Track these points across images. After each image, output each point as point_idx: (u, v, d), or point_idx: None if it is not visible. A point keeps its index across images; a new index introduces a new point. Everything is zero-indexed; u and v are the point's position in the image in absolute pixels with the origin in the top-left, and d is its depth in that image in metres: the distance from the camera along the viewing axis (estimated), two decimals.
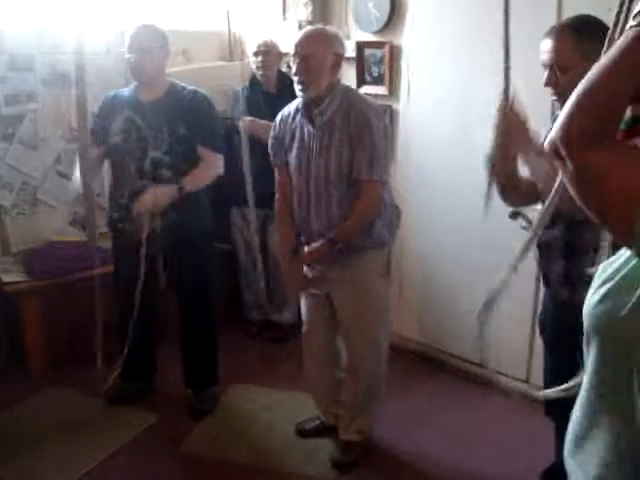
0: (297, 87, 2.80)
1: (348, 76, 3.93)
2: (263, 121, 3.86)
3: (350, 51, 3.84)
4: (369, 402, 3.14)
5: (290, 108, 2.98)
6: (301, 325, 3.24)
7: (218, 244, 4.35)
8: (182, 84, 3.34)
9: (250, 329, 4.40)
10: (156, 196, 3.13)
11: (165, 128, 3.17)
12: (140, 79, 3.25)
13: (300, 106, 2.89)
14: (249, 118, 3.92)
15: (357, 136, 2.75)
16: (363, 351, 3.05)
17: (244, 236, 4.29)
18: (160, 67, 3.26)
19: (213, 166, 3.30)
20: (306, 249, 2.92)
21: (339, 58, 2.85)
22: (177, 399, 3.55)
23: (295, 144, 2.92)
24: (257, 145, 3.86)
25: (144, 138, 3.18)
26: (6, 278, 3.87)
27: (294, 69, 2.82)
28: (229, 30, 4.45)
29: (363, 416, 3.16)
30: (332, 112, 2.79)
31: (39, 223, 4.13)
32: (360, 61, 4.01)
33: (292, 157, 2.94)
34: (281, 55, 4.12)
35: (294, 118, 2.93)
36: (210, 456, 3.16)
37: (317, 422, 3.33)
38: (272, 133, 3.04)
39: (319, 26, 3.03)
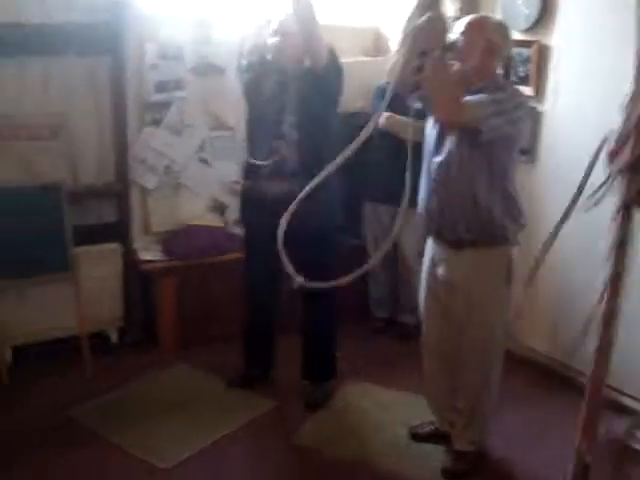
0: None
1: None
2: (402, 117, 3.81)
3: None
4: (483, 412, 3.03)
5: None
6: None
7: (349, 238, 4.37)
8: None
9: (375, 326, 4.38)
10: None
11: (302, 97, 3.23)
12: (280, 62, 3.30)
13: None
14: (387, 114, 3.89)
15: None
16: (475, 360, 2.95)
17: (375, 232, 4.27)
18: (300, 52, 3.29)
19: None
20: None
21: (493, 46, 2.77)
22: (295, 390, 3.58)
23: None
24: (393, 141, 3.84)
25: (285, 102, 3.25)
26: (145, 256, 4.09)
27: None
28: (374, 26, 4.44)
29: (477, 426, 3.05)
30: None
31: (180, 206, 4.31)
32: (506, 60, 3.87)
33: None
34: None
35: None
36: (319, 449, 3.17)
37: (431, 427, 3.26)
38: None
39: (484, 14, 3.01)
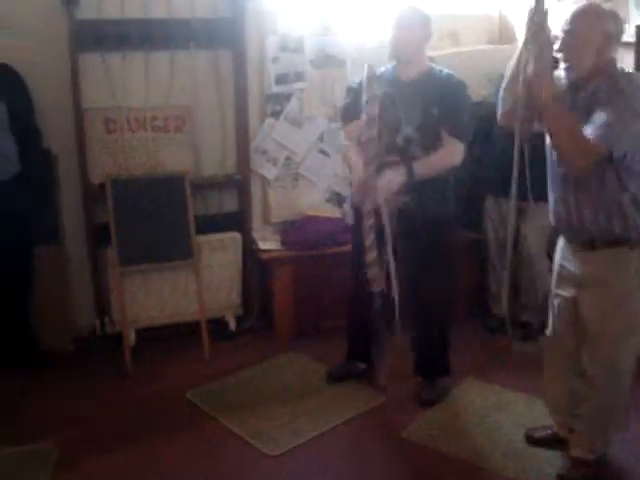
0: (561, 66, 2.60)
1: (625, 63, 3.58)
2: None
3: (628, 36, 3.50)
4: (606, 421, 2.85)
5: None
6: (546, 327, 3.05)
7: (469, 232, 4.27)
8: (439, 67, 3.28)
9: (493, 323, 4.25)
10: (388, 181, 3.13)
11: (420, 107, 3.16)
12: (399, 56, 3.25)
13: (567, 87, 2.67)
14: None
15: None
16: (603, 367, 2.77)
17: (496, 227, 4.13)
18: (419, 46, 3.23)
19: (450, 154, 3.20)
20: None
21: (609, 38, 2.56)
22: (405, 385, 3.53)
23: None
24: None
25: (399, 115, 3.20)
26: (263, 245, 4.17)
27: (557, 46, 2.61)
28: (499, 13, 4.30)
29: (598, 435, 2.88)
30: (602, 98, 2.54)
31: (298, 197, 4.36)
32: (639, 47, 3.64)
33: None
34: (554, 39, 3.87)
35: None
36: (430, 446, 3.10)
37: (548, 432, 3.11)
38: None
39: (593, 2, 2.76)
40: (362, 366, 3.64)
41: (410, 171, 3.13)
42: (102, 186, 3.81)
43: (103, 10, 3.75)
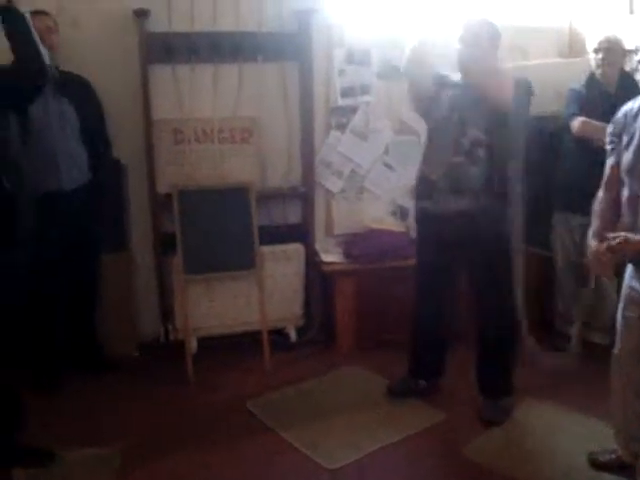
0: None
1: None
2: (598, 122, 3.57)
3: None
4: None
5: (635, 104, 2.69)
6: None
7: (535, 248, 4.17)
8: None
9: (560, 343, 4.13)
10: None
11: (485, 109, 3.12)
12: (465, 73, 3.21)
13: None
14: (582, 119, 3.67)
15: None
16: None
17: (564, 243, 4.03)
18: (485, 61, 3.18)
19: None
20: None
21: None
22: (468, 403, 3.47)
23: (634, 144, 2.63)
24: (587, 148, 3.62)
25: (465, 117, 3.16)
26: (326, 258, 4.17)
27: None
28: (569, 26, 4.21)
29: None
30: None
31: (362, 210, 4.36)
32: None
33: (627, 158, 2.66)
34: (625, 53, 3.77)
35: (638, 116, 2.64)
36: (490, 467, 3.02)
37: (613, 456, 3.00)
38: (609, 129, 2.79)
39: None
40: (423, 383, 3.59)
41: None
42: (169, 196, 3.87)
43: (173, 23, 3.84)
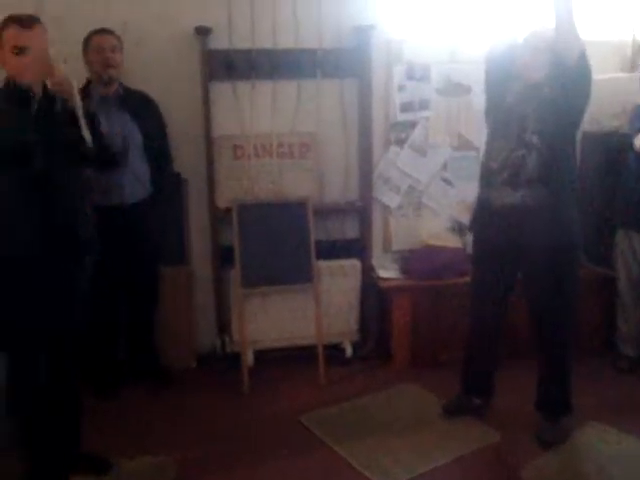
0: None
1: None
2: None
3: None
4: None
5: None
6: None
7: (597, 267, 4.09)
8: None
9: (622, 364, 4.03)
10: None
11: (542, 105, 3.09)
12: (525, 81, 3.17)
13: None
14: None
15: None
16: None
17: (627, 262, 3.93)
18: (542, 71, 3.14)
19: None
20: None
21: None
22: (524, 422, 3.40)
23: None
24: None
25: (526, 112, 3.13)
26: (383, 273, 4.17)
27: None
28: (632, 39, 4.12)
29: None
30: None
31: (419, 226, 4.34)
32: None
33: None
34: None
35: None
36: None
37: None
38: None
39: None
40: (478, 401, 3.54)
41: None
42: (228, 210, 3.93)
43: (234, 40, 3.91)
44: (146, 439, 3.31)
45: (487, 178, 3.26)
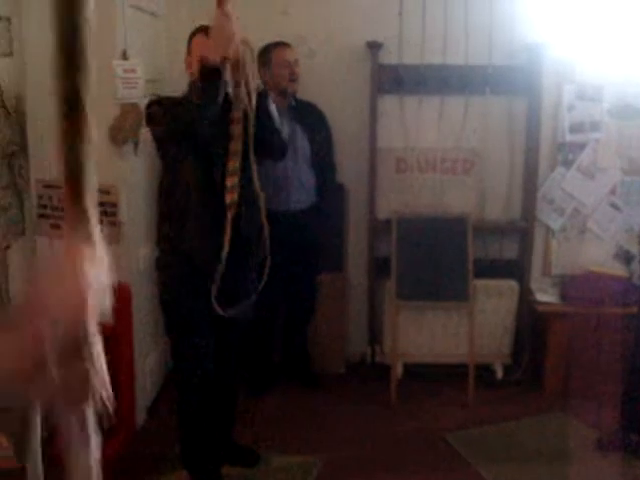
0: None
1: None
2: None
3: None
4: None
5: None
6: None
7: None
8: None
9: None
10: None
11: None
12: None
13: None
14: None
15: None
16: None
17: None
18: None
19: None
20: None
21: None
22: None
23: None
24: None
25: None
26: (541, 297, 4.05)
27: None
28: None
29: None
30: None
31: (583, 251, 4.18)
32: None
33: None
34: None
35: None
36: None
37: None
38: None
39: None
40: (636, 438, 3.36)
41: None
42: (387, 222, 3.98)
43: (404, 55, 3.97)
44: (293, 438, 3.42)
45: None
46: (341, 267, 4.16)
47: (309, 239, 3.83)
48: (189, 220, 2.69)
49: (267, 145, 2.72)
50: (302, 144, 3.71)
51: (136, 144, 3.32)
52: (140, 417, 3.52)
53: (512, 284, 4.09)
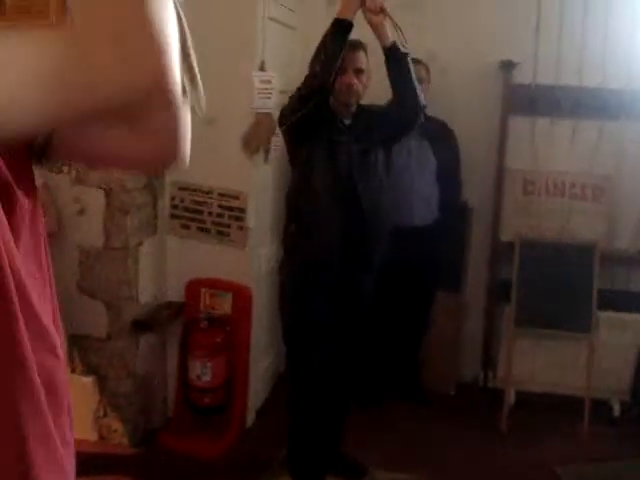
0: None
1: None
2: None
3: None
4: None
5: None
6: None
7: None
8: None
9: None
10: None
11: None
12: None
13: None
14: None
15: None
16: None
17: None
18: None
19: None
20: None
21: None
22: None
23: None
24: None
25: None
26: None
27: None
28: None
29: None
30: None
31: None
32: None
33: None
34: None
35: None
36: None
37: None
38: None
39: None
40: None
41: None
42: (510, 244, 3.89)
43: (538, 75, 3.88)
44: (400, 454, 3.40)
45: None
46: (458, 286, 4.10)
47: (430, 256, 3.80)
48: (317, 223, 2.76)
49: (400, 99, 2.76)
50: (429, 161, 3.70)
51: (267, 152, 3.41)
52: (250, 418, 3.60)
53: (637, 318, 3.91)
